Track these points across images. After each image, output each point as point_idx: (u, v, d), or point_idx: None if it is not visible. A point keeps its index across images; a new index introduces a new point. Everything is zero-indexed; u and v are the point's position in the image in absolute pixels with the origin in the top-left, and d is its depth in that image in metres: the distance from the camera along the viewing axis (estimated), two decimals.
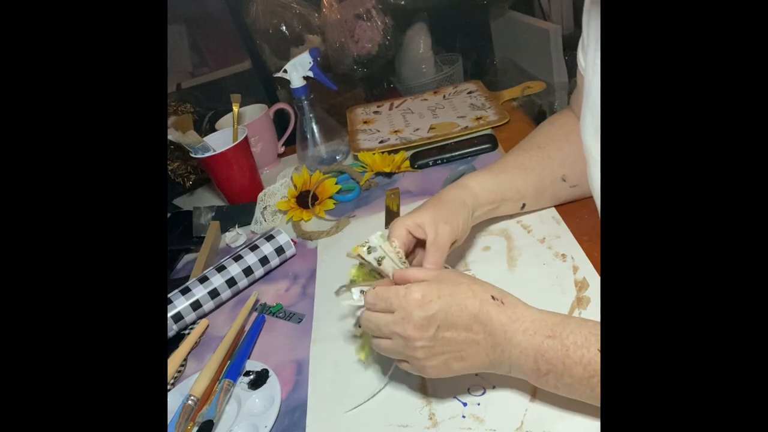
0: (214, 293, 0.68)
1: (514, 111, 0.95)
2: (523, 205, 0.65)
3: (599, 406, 0.39)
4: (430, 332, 0.43)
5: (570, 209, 0.66)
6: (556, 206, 0.67)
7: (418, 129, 0.95)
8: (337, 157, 0.95)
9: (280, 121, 1.04)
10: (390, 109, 1.07)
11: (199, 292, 0.67)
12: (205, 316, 0.69)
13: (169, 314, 0.65)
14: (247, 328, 0.64)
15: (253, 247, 0.72)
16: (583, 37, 0.53)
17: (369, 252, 0.49)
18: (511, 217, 0.67)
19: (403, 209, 0.77)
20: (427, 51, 1.40)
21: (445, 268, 0.51)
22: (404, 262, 0.50)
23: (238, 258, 0.70)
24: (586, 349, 0.39)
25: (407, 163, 0.86)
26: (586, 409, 0.43)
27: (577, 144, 0.61)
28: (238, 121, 0.93)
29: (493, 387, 0.48)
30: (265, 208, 0.85)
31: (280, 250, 0.73)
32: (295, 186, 0.84)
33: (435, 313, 0.43)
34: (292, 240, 0.75)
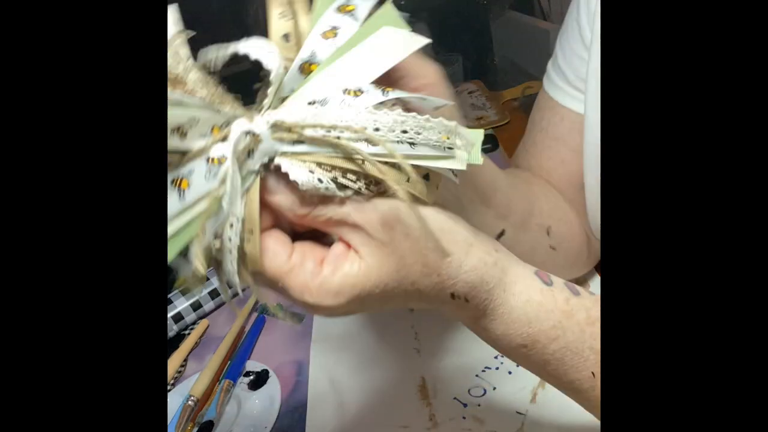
0: (214, 293, 0.68)
1: (514, 111, 0.95)
2: (502, 231, 0.46)
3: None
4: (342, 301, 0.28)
5: None
6: None
7: None
8: None
9: None
10: None
11: (199, 292, 0.67)
12: (205, 316, 0.68)
13: (169, 314, 0.65)
14: (247, 329, 0.64)
15: None
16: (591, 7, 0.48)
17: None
18: None
19: None
20: (428, 51, 1.40)
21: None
22: None
23: None
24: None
25: None
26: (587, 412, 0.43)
27: (558, 201, 0.51)
28: None
29: (494, 388, 0.48)
30: None
31: None
32: None
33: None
34: None
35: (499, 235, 0.46)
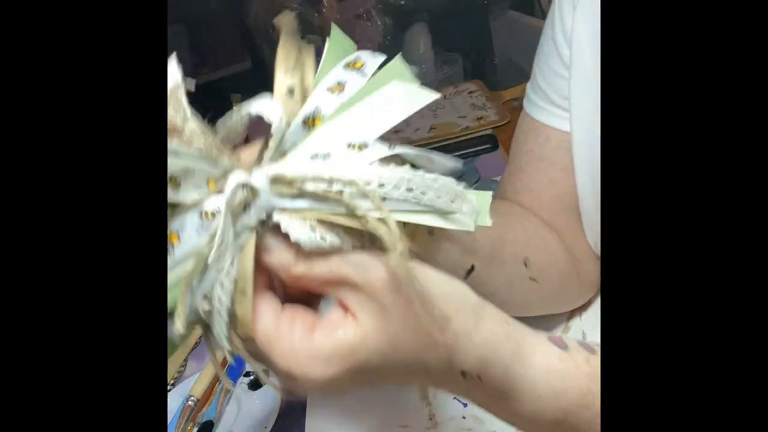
0: None
1: (514, 111, 0.95)
2: (472, 267, 0.41)
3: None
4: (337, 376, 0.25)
5: None
6: None
7: (418, 129, 0.95)
8: None
9: None
10: None
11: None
12: None
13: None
14: None
15: None
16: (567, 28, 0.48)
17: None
18: None
19: None
20: (427, 51, 1.40)
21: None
22: None
23: None
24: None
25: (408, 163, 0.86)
26: None
27: (538, 229, 0.49)
28: None
29: None
30: None
31: None
32: None
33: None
34: None
35: (469, 272, 0.42)
